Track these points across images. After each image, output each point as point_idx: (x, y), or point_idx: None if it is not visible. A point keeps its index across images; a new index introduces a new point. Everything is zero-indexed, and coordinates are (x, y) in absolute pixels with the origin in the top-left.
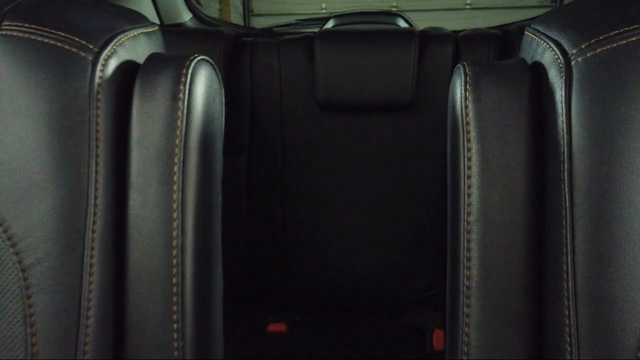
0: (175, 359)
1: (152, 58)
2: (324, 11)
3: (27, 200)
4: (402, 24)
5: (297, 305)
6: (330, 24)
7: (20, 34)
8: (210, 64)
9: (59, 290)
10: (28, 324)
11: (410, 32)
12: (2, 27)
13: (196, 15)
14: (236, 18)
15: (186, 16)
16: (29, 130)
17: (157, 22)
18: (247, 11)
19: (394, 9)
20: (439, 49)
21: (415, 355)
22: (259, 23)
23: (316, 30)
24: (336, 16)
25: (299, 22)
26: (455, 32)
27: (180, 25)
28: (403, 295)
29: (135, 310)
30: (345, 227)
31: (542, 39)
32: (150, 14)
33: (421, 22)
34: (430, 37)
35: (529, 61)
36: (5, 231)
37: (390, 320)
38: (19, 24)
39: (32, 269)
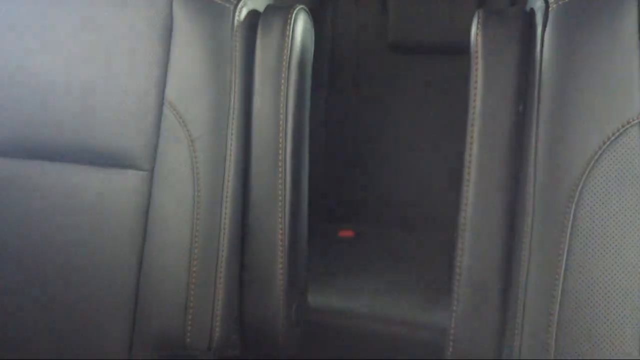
0: (279, 222)
1: (269, 7)
2: None
3: (193, 98)
4: None
5: (364, 219)
6: None
7: None
8: (306, 11)
9: (213, 152)
10: (195, 172)
11: None
12: None
13: None
14: None
15: None
16: (194, 55)
17: None
18: None
19: None
20: None
21: None
22: None
23: None
24: None
25: None
26: None
27: None
28: (455, 215)
29: (257, 170)
30: (408, 156)
31: None
32: None
33: None
34: None
35: (528, 8)
36: (180, 117)
37: (444, 234)
38: None
39: (196, 141)
